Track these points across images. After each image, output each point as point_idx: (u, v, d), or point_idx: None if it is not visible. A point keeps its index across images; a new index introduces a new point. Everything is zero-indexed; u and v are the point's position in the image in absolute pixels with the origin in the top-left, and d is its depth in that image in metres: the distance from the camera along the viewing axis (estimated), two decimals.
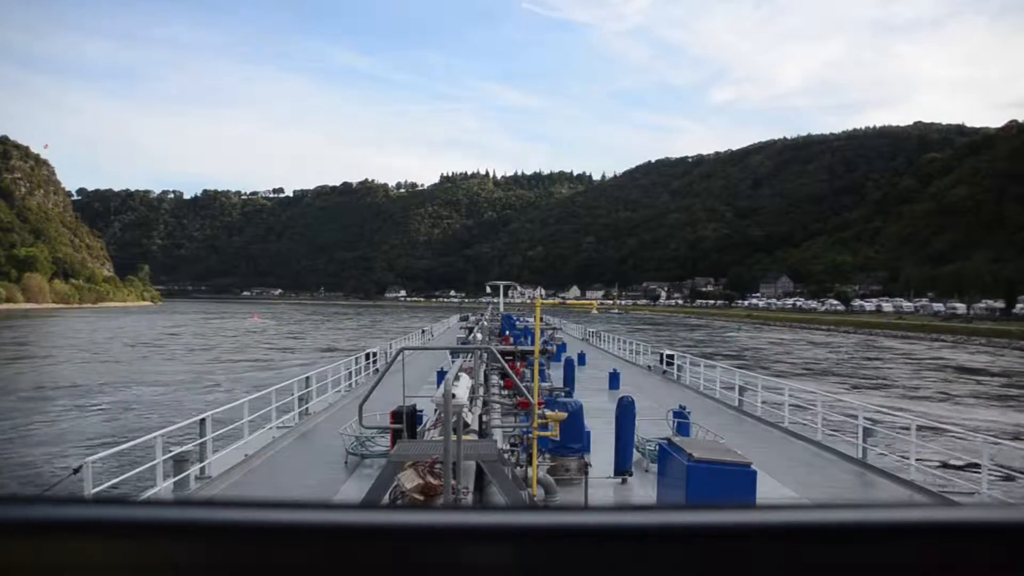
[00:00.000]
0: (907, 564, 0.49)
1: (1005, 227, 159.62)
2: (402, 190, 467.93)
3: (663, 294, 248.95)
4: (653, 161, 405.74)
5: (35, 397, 31.72)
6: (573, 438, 10.88)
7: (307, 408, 17.29)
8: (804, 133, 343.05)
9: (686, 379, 24.60)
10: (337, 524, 0.50)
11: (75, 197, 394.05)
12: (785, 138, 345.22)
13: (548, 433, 9.55)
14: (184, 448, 11.37)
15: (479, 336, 23.13)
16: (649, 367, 29.53)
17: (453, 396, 6.46)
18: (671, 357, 27.12)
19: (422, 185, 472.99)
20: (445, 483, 6.26)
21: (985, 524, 0.50)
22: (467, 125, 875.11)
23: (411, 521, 0.50)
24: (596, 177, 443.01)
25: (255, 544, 0.49)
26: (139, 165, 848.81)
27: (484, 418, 11.31)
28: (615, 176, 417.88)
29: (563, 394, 13.91)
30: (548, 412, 9.87)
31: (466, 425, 8.24)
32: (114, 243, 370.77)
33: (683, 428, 13.81)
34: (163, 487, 10.26)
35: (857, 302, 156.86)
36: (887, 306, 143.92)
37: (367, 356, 25.93)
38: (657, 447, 10.77)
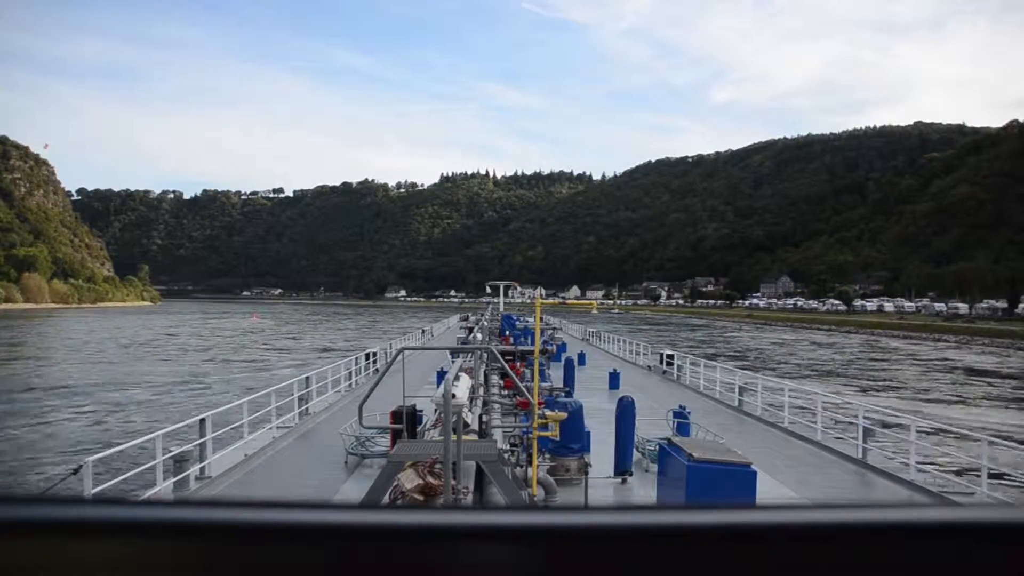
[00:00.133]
0: (907, 564, 0.49)
1: (1006, 227, 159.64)
2: (402, 190, 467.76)
3: (663, 294, 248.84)
4: (653, 161, 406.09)
5: (23, 399, 31.49)
6: (573, 438, 10.87)
7: (307, 408, 17.29)
8: (804, 133, 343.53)
9: (686, 379, 24.61)
10: (337, 524, 0.50)
11: (75, 197, 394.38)
12: (785, 138, 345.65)
13: (548, 433, 9.55)
14: (184, 448, 11.38)
15: (479, 336, 23.12)
16: (649, 367, 29.53)
17: (453, 396, 6.47)
18: (671, 357, 27.13)
19: (422, 185, 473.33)
20: (445, 483, 6.26)
21: (985, 524, 0.50)
22: (467, 125, 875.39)
23: (411, 521, 0.50)
24: (596, 177, 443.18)
25: (255, 544, 0.49)
26: (139, 165, 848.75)
27: (484, 418, 11.31)
28: (615, 176, 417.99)
29: (563, 394, 13.90)
30: (548, 412, 9.87)
31: (466, 425, 8.25)
32: (114, 243, 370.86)
33: (683, 428, 13.81)
34: (163, 487, 10.26)
35: (858, 302, 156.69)
36: (888, 306, 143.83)
37: (367, 356, 25.94)
38: (657, 447, 10.77)
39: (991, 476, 11.14)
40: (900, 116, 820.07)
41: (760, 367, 43.20)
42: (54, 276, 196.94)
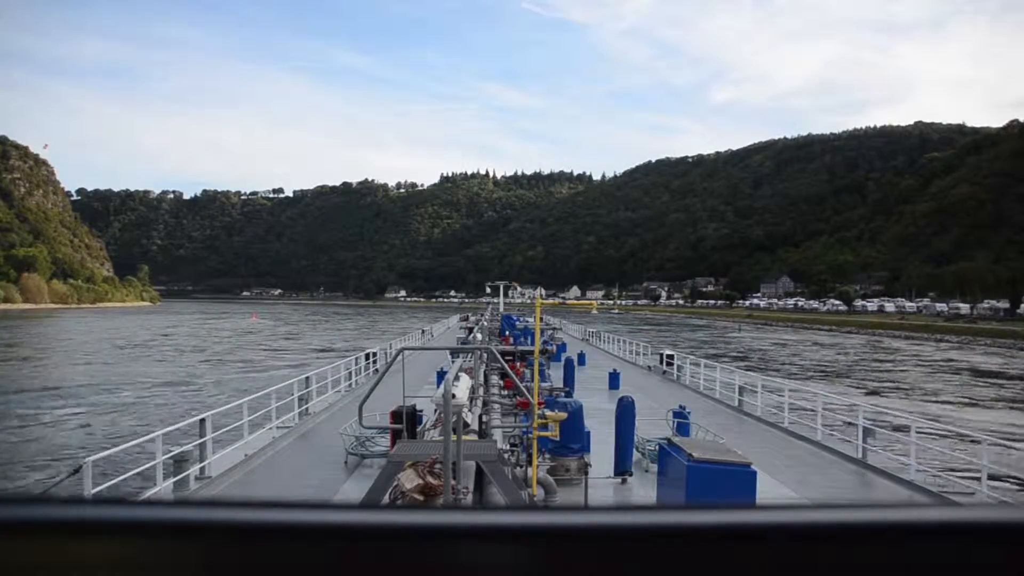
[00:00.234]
0: (907, 564, 0.49)
1: (1006, 227, 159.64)
2: (402, 190, 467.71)
3: (663, 294, 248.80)
4: (653, 161, 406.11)
5: (10, 401, 31.20)
6: (573, 438, 10.87)
7: (307, 408, 17.30)
8: (804, 133, 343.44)
9: (686, 379, 24.62)
10: (337, 524, 0.50)
11: (74, 197, 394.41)
12: (785, 138, 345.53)
13: (548, 433, 9.55)
14: (184, 448, 11.38)
15: (479, 336, 23.15)
16: (649, 367, 29.54)
17: (453, 396, 6.47)
18: (671, 357, 27.15)
19: (422, 185, 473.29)
20: (445, 483, 6.26)
21: (985, 524, 0.50)
22: (467, 125, 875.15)
23: (411, 521, 0.50)
24: (596, 177, 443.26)
25: (255, 544, 0.49)
26: (139, 165, 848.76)
27: (484, 418, 11.31)
28: (615, 176, 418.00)
29: (563, 394, 13.91)
30: (548, 412, 9.87)
31: (466, 425, 8.25)
32: (114, 243, 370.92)
33: (683, 428, 13.81)
34: (163, 487, 10.26)
35: (859, 302, 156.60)
36: (889, 306, 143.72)
37: (367, 356, 25.96)
38: (657, 447, 10.76)
39: (991, 477, 11.13)
40: (900, 116, 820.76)
41: (764, 368, 43.03)
42: (53, 276, 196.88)
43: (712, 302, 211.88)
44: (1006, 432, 22.02)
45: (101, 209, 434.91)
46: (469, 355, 14.84)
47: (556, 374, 20.63)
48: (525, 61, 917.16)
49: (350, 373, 23.04)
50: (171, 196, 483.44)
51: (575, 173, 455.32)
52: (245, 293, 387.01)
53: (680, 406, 15.18)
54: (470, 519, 0.51)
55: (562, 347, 30.31)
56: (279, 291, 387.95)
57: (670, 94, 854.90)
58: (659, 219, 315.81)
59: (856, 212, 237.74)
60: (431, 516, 0.51)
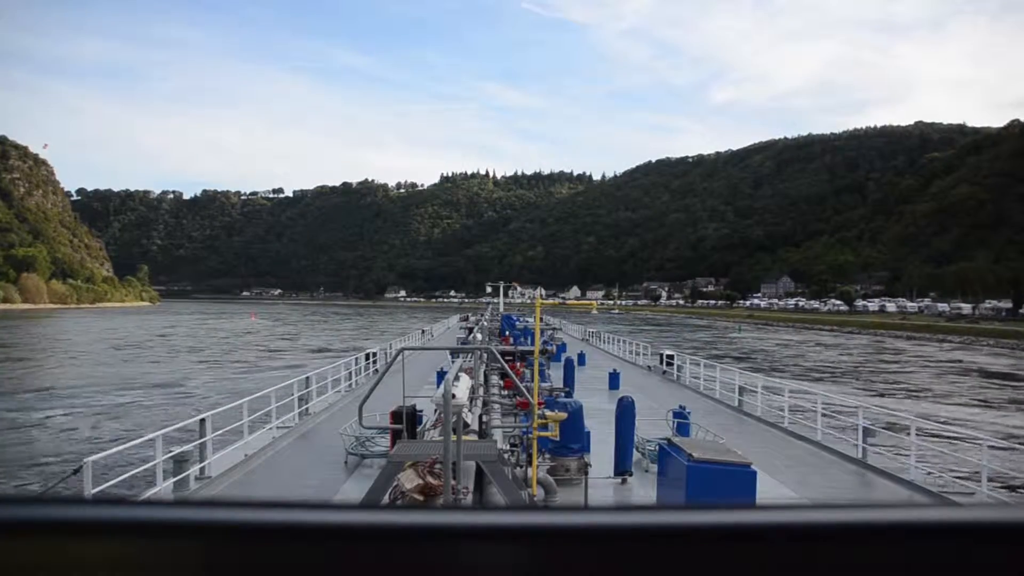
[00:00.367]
0: (907, 564, 0.49)
1: (1007, 227, 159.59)
2: (402, 190, 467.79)
3: (664, 294, 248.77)
4: (653, 161, 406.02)
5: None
6: (573, 438, 10.87)
7: (307, 408, 17.31)
8: (804, 133, 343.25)
9: (686, 379, 24.62)
10: (337, 524, 0.50)
11: (74, 197, 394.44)
12: (786, 138, 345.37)
13: (548, 433, 9.55)
14: (184, 448, 11.38)
15: (479, 336, 23.16)
16: (649, 367, 29.55)
17: (453, 396, 6.47)
18: (671, 357, 27.16)
19: (422, 185, 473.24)
20: (445, 483, 6.26)
21: (985, 524, 0.50)
22: (467, 125, 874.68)
23: (411, 521, 0.50)
24: (596, 177, 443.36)
25: (255, 544, 0.49)
26: (139, 165, 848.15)
27: (484, 418, 11.32)
28: (615, 176, 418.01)
29: (563, 394, 13.92)
30: (548, 412, 9.87)
31: (466, 425, 8.25)
32: (113, 243, 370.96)
33: (683, 428, 13.81)
34: (163, 487, 10.26)
35: (860, 302, 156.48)
36: (890, 306, 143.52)
37: (367, 356, 25.96)
38: (657, 447, 10.76)
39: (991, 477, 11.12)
40: (900, 116, 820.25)
41: (768, 369, 42.81)
42: (53, 276, 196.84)
43: (712, 302, 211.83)
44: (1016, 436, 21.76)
45: (101, 209, 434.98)
46: (469, 355, 14.85)
47: (556, 374, 20.64)
48: (525, 61, 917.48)
49: (350, 373, 23.05)
50: (171, 196, 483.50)
51: (575, 173, 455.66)
52: (245, 293, 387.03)
53: (680, 406, 15.18)
54: (470, 519, 0.51)
55: (562, 347, 30.31)
56: (279, 291, 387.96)
57: (670, 94, 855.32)
58: (659, 219, 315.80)
59: (856, 212, 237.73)
60: (431, 516, 0.51)
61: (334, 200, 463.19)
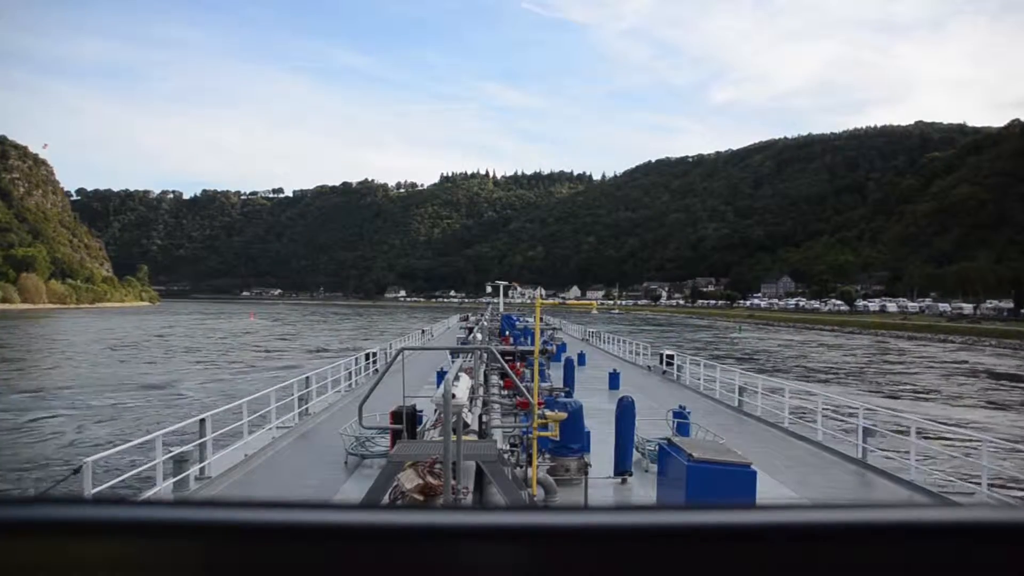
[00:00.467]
0: (907, 564, 0.49)
1: (1007, 227, 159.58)
2: (402, 190, 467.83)
3: (664, 294, 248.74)
4: (653, 161, 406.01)
5: None
6: (573, 438, 10.87)
7: (307, 408, 17.30)
8: (805, 133, 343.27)
9: (686, 379, 24.61)
10: (337, 524, 0.50)
11: (74, 197, 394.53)
12: (786, 138, 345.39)
13: (548, 433, 9.55)
14: (184, 448, 11.37)
15: (479, 336, 23.15)
16: (649, 367, 29.55)
17: (453, 396, 6.47)
18: (671, 357, 27.16)
19: (422, 185, 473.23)
20: (445, 483, 6.26)
21: (985, 524, 0.50)
22: (467, 125, 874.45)
23: (411, 521, 0.50)
24: (596, 177, 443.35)
25: (255, 544, 0.49)
26: (139, 165, 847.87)
27: (484, 418, 11.32)
28: (615, 176, 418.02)
29: (563, 394, 13.91)
30: (548, 412, 9.87)
31: (466, 425, 8.25)
32: (113, 243, 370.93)
33: (683, 428, 13.81)
34: (163, 487, 10.26)
35: (860, 302, 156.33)
36: (891, 306, 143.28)
37: (367, 356, 25.95)
38: (657, 447, 10.76)
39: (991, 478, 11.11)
40: (900, 116, 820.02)
41: (772, 370, 42.59)
42: (52, 276, 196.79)
43: (713, 302, 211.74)
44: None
45: (101, 209, 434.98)
46: (469, 355, 14.84)
47: (556, 374, 20.63)
48: (525, 61, 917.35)
49: (350, 373, 23.04)
50: (171, 196, 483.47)
51: (575, 173, 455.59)
52: (245, 293, 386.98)
53: (680, 406, 15.18)
54: (470, 519, 0.51)
55: (562, 347, 30.31)
56: (279, 291, 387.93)
57: (670, 94, 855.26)
58: (659, 219, 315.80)
59: (857, 212, 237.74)
60: (431, 516, 0.51)
61: (334, 200, 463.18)
